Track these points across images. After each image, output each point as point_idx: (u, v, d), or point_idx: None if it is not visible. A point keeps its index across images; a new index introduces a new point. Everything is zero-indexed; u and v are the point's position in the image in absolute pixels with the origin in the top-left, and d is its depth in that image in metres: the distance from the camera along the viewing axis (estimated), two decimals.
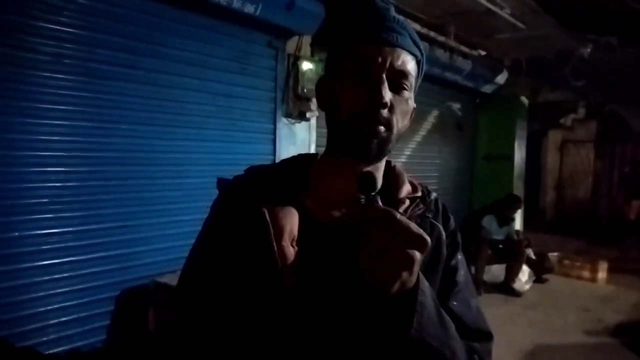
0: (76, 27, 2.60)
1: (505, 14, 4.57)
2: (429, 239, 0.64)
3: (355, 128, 0.77)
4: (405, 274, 0.64)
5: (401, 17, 0.81)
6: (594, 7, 4.91)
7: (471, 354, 0.81)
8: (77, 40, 2.60)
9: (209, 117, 3.31)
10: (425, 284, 0.70)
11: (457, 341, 0.76)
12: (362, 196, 0.68)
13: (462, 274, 0.90)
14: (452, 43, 5.17)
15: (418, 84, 0.86)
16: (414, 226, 0.63)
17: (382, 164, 0.87)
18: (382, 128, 0.77)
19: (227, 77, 3.40)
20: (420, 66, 0.84)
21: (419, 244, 0.63)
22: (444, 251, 0.88)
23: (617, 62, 5.95)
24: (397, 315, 0.69)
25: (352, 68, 0.78)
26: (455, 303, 0.85)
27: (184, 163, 3.16)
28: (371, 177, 0.70)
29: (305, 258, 0.77)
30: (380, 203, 0.66)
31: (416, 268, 0.65)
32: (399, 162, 5.02)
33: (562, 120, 9.19)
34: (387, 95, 0.75)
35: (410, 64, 0.79)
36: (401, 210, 0.83)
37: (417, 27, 4.68)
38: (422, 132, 5.95)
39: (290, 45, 3.79)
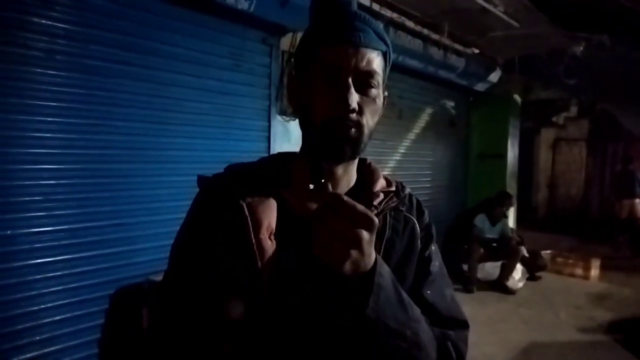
0: (70, 23, 2.57)
1: (498, 12, 4.59)
2: (375, 219, 0.67)
3: (327, 134, 0.80)
4: (354, 252, 0.67)
5: (363, 13, 0.84)
6: (586, 5, 4.94)
7: (444, 340, 0.83)
8: (70, 36, 2.57)
9: (203, 115, 3.29)
10: (384, 268, 0.74)
11: (422, 324, 0.78)
12: (312, 185, 0.73)
13: (437, 264, 0.93)
14: (445, 41, 5.19)
15: (387, 74, 0.88)
16: (360, 207, 0.66)
17: (354, 161, 0.89)
18: (352, 130, 0.80)
19: (221, 74, 3.38)
20: (387, 56, 0.86)
21: (366, 223, 0.66)
22: (418, 243, 0.92)
23: (609, 60, 5.99)
24: (354, 296, 0.72)
25: (318, 74, 0.80)
26: (428, 292, 0.88)
27: (179, 160, 3.14)
28: (320, 166, 0.75)
29: (284, 251, 0.79)
30: (330, 189, 0.72)
31: (365, 246, 0.68)
32: (392, 159, 5.02)
33: (554, 119, 9.27)
34: (354, 100, 0.78)
35: (376, 61, 0.81)
36: (375, 202, 0.87)
37: (411, 24, 4.68)
38: (416, 130, 5.96)
39: (285, 42, 3.79)
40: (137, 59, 2.89)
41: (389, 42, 0.86)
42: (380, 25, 0.85)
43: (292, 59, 0.92)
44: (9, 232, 2.40)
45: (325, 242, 0.66)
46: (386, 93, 0.90)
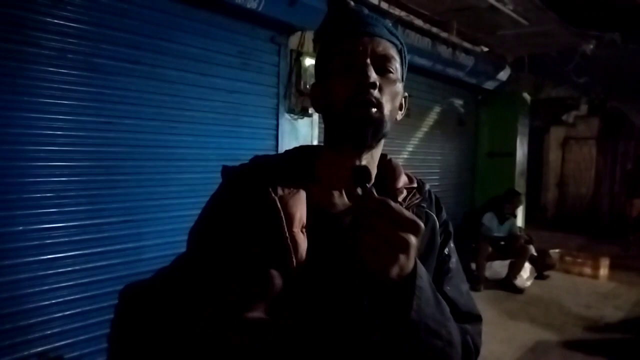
0: (80, 22, 2.60)
1: (508, 10, 4.56)
2: (422, 224, 0.68)
3: (349, 115, 0.81)
4: (402, 257, 0.67)
5: (375, 14, 0.89)
6: (597, 3, 4.90)
7: (464, 335, 0.85)
8: (81, 35, 2.61)
9: (212, 113, 3.31)
10: (422, 269, 0.74)
11: (452, 322, 0.81)
12: (359, 189, 0.72)
13: (454, 261, 0.96)
14: (454, 39, 5.17)
15: (405, 72, 0.90)
16: (407, 212, 0.67)
17: (377, 155, 0.90)
18: (373, 110, 0.80)
19: (230, 73, 3.40)
20: (403, 55, 0.89)
21: (413, 228, 0.67)
22: (438, 240, 0.93)
23: (620, 58, 5.94)
24: (397, 299, 0.72)
25: (338, 64, 0.83)
26: (448, 288, 0.90)
27: (188, 158, 3.16)
28: (364, 170, 0.74)
29: (315, 245, 0.80)
30: (376, 194, 0.70)
31: (412, 251, 0.68)
32: (401, 157, 5.02)
33: (564, 117, 9.18)
34: (373, 75, 0.80)
35: (391, 50, 0.84)
36: (400, 199, 0.89)
37: (420, 23, 4.67)
38: (424, 129, 5.95)
39: (293, 41, 3.80)
40: (146, 57, 2.92)
41: (402, 40, 0.89)
42: (390, 25, 0.89)
43: (313, 68, 0.94)
44: (20, 228, 2.44)
45: (374, 248, 0.66)
46: (406, 94, 0.92)
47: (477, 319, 0.93)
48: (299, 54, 3.78)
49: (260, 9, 3.21)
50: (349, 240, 0.72)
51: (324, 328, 0.79)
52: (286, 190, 0.81)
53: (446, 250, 0.94)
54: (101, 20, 2.68)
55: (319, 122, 4.11)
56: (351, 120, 0.80)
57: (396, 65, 0.85)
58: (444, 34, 5.02)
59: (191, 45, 3.15)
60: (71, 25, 2.57)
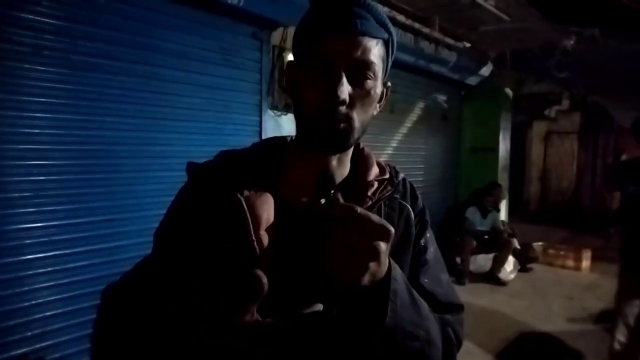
0: (56, 18, 2.54)
1: (489, 5, 4.60)
2: (391, 228, 0.64)
3: (315, 126, 0.77)
4: (373, 265, 0.65)
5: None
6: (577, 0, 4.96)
7: (444, 326, 0.84)
8: (57, 31, 2.55)
9: (194, 110, 3.28)
10: (397, 271, 0.72)
11: (430, 320, 0.78)
12: (323, 198, 0.69)
13: (432, 251, 0.93)
14: (437, 35, 5.19)
15: (389, 64, 0.85)
16: (375, 217, 0.63)
17: (349, 151, 0.87)
18: (341, 125, 0.77)
19: (212, 69, 3.37)
20: (390, 45, 0.82)
21: (383, 234, 0.64)
22: (413, 231, 0.90)
23: (600, 54, 6.02)
24: (371, 306, 0.70)
25: (312, 64, 0.77)
26: (426, 280, 0.88)
27: (170, 156, 3.12)
28: (328, 177, 0.72)
29: (282, 245, 0.77)
30: (341, 200, 0.67)
31: (383, 258, 0.66)
32: (385, 153, 5.03)
33: (546, 112, 9.30)
34: (345, 92, 0.74)
35: (373, 51, 0.77)
36: (369, 193, 0.85)
37: (402, 18, 4.68)
38: (408, 124, 5.97)
39: (275, 37, 3.78)
40: (125, 54, 2.88)
41: (391, 29, 0.81)
42: (382, 11, 0.80)
43: (292, 46, 0.87)
44: None
45: (341, 258, 0.63)
46: (389, 83, 0.87)
47: (458, 308, 0.91)
48: (281, 50, 3.76)
49: (241, 4, 3.19)
50: (313, 248, 0.69)
51: (292, 334, 0.75)
52: (252, 191, 0.78)
53: (422, 241, 0.91)
54: (77, 15, 2.63)
55: None
56: (318, 132, 0.77)
57: (375, 69, 0.78)
58: (426, 30, 5.04)
59: (171, 41, 3.11)
60: (46, 20, 2.51)
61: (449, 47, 5.61)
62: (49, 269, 2.58)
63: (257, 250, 0.74)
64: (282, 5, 3.39)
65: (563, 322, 4.52)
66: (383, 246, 0.64)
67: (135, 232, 2.93)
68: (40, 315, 2.54)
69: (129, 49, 2.89)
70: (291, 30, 3.78)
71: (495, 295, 5.26)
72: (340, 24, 0.76)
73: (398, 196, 0.90)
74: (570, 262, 6.41)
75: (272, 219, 0.78)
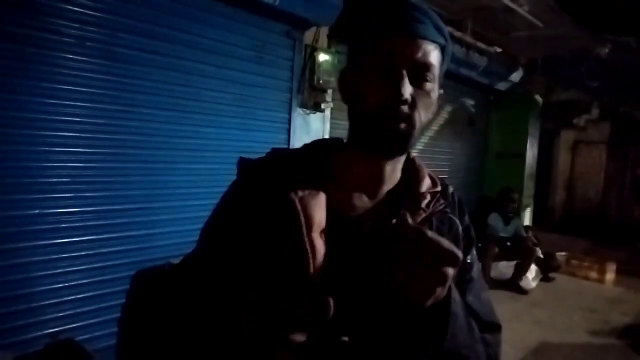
0: (99, 11, 2.63)
1: (524, 11, 4.55)
2: (460, 255, 0.63)
3: (376, 125, 0.76)
4: (439, 290, 0.65)
5: (423, 4, 0.81)
6: (613, 7, 4.87)
7: (487, 347, 0.83)
8: (100, 23, 2.64)
9: (226, 105, 3.35)
10: (455, 293, 0.72)
11: (480, 343, 0.79)
12: (394, 220, 0.67)
13: (476, 268, 0.91)
14: (469, 39, 5.16)
15: (444, 71, 0.84)
16: (445, 243, 0.63)
17: (403, 158, 0.86)
18: (403, 125, 0.76)
19: (245, 66, 3.43)
20: (446, 52, 0.82)
21: (452, 260, 0.63)
22: (461, 248, 0.86)
23: (634, 63, 5.90)
24: (431, 327, 0.70)
25: (373, 63, 0.76)
26: (471, 298, 0.86)
27: (201, 149, 3.20)
28: (398, 197, 0.74)
29: (334, 251, 0.75)
30: (411, 221, 0.66)
31: (450, 283, 0.66)
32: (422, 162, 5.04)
33: (575, 121, 9.13)
34: (408, 91, 0.74)
35: (433, 54, 0.77)
36: (423, 205, 0.83)
37: None
38: (435, 128, 5.95)
39: (308, 37, 3.82)
40: (164, 48, 2.96)
41: (447, 35, 0.81)
42: (438, 18, 0.79)
43: (348, 50, 0.86)
44: (37, 211, 2.49)
45: (407, 278, 0.63)
46: (442, 91, 0.85)
47: (497, 328, 0.89)
48: (313, 50, 3.80)
49: (276, 3, 3.24)
50: (375, 256, 0.70)
51: (350, 346, 0.75)
52: (306, 192, 0.76)
53: (469, 258, 0.89)
54: (120, 9, 2.72)
55: (331, 118, 4.13)
56: (379, 132, 0.76)
57: (435, 72, 0.78)
58: (458, 34, 5.01)
59: (207, 37, 3.18)
60: (90, 13, 2.60)
61: (481, 51, 5.57)
62: (83, 253, 2.67)
63: (310, 253, 0.73)
64: (317, 6, 3.43)
65: (585, 334, 4.44)
66: (451, 272, 0.64)
67: (166, 221, 3.02)
68: (72, 297, 2.64)
69: (166, 43, 2.97)
70: (324, 30, 3.81)
71: (516, 303, 5.20)
72: (402, 26, 0.75)
73: (449, 210, 0.88)
74: (594, 274, 6.28)
75: (324, 222, 0.76)
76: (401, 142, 0.77)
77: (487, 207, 6.06)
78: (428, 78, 0.77)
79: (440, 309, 0.69)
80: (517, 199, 6.07)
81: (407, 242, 0.63)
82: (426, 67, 0.77)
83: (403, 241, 0.63)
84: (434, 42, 0.78)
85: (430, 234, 0.63)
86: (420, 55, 0.75)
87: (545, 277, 6.00)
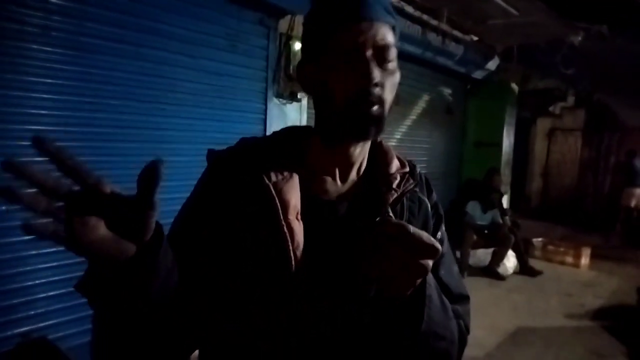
0: None
1: None
2: (440, 247, 0.66)
3: (351, 112, 0.77)
4: (419, 281, 0.69)
5: None
6: None
7: (457, 318, 0.86)
8: (65, 12, 2.55)
9: (199, 95, 3.28)
10: (429, 276, 0.74)
11: (452, 319, 0.81)
12: (378, 218, 0.71)
13: (446, 243, 0.94)
14: (444, 27, 5.17)
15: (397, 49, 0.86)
16: (425, 236, 0.65)
17: (369, 142, 0.88)
18: (376, 107, 0.77)
19: (218, 55, 3.36)
20: (396, 31, 0.83)
21: (432, 253, 0.65)
22: (431, 225, 0.92)
23: (607, 51, 5.98)
24: (408, 312, 0.73)
25: (336, 53, 0.77)
26: (442, 272, 0.89)
27: (174, 140, 3.14)
28: (381, 194, 0.78)
29: (310, 233, 0.78)
30: (393, 217, 0.69)
31: (428, 274, 0.69)
32: (389, 144, 5.02)
33: (551, 108, 9.25)
34: (377, 74, 0.76)
35: (389, 35, 0.79)
36: (394, 186, 0.86)
37: (410, 10, 4.66)
38: (413, 116, 5.97)
39: (283, 25, 3.75)
40: (133, 37, 2.87)
41: (395, 15, 0.83)
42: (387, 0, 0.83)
43: (302, 43, 0.87)
44: (3, 207, 2.41)
45: (388, 271, 0.66)
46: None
47: (466, 299, 0.94)
48: (288, 38, 3.75)
49: None
50: (347, 250, 0.73)
51: (322, 327, 0.78)
52: (279, 176, 0.78)
53: (439, 234, 0.92)
54: None
55: (308, 107, 4.09)
56: (353, 119, 0.78)
57: (394, 52, 0.80)
58: (434, 22, 5.01)
59: (178, 25, 3.10)
60: (54, 1, 2.51)
61: (456, 40, 5.58)
62: (54, 249, 2.58)
63: (288, 235, 0.75)
64: None
65: (561, 318, 4.54)
66: (430, 264, 0.67)
67: None
68: (44, 294, 2.57)
69: (135, 32, 2.88)
70: (299, 19, 3.76)
71: (494, 289, 5.29)
72: (357, 11, 0.77)
73: (418, 189, 0.91)
74: (569, 259, 6.43)
75: (299, 205, 0.78)
76: (377, 124, 0.79)
77: (472, 190, 6.14)
78: (389, 58, 0.79)
79: (416, 294, 0.71)
80: (501, 182, 6.17)
81: (389, 238, 0.65)
82: (386, 47, 0.78)
83: (386, 237, 0.65)
84: (387, 22, 0.80)
85: (412, 229, 0.64)
86: (379, 37, 0.77)
87: (527, 269, 5.96)
